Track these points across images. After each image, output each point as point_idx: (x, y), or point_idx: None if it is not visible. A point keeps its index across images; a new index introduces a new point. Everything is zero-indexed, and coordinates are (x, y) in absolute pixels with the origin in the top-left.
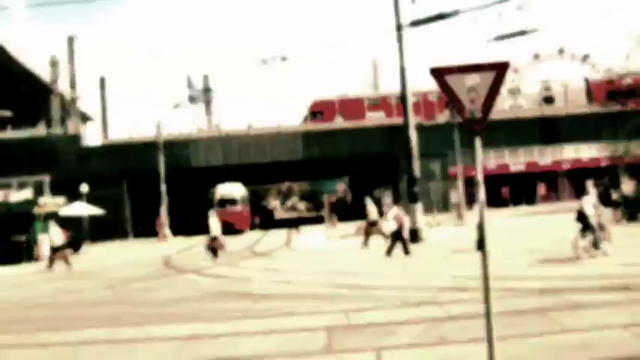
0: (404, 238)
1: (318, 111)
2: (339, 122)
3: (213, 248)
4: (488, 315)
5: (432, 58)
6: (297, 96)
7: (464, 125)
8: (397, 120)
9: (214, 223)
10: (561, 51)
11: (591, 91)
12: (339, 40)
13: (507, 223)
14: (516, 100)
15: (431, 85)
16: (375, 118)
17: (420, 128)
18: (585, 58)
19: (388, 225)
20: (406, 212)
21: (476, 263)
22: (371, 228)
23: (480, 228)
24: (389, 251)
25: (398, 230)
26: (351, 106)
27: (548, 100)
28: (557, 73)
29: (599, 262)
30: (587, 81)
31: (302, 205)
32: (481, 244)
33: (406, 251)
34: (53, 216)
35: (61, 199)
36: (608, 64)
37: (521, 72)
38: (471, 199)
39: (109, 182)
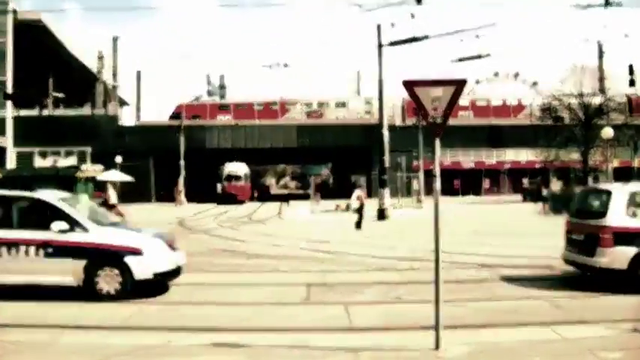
0: (362, 215)
1: (178, 112)
2: (328, 119)
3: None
4: (436, 281)
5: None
6: (297, 96)
7: (427, 128)
8: (374, 120)
9: (113, 194)
10: (516, 75)
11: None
12: (332, 52)
13: (458, 209)
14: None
15: (403, 94)
16: (289, 118)
17: (391, 128)
18: (534, 84)
19: (353, 204)
20: (376, 195)
21: (429, 239)
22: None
23: (436, 211)
24: (357, 224)
25: (360, 207)
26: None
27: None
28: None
29: (527, 244)
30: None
31: (292, 184)
32: (435, 226)
33: (359, 226)
34: (92, 180)
35: (99, 167)
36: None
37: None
38: (429, 188)
39: (138, 156)
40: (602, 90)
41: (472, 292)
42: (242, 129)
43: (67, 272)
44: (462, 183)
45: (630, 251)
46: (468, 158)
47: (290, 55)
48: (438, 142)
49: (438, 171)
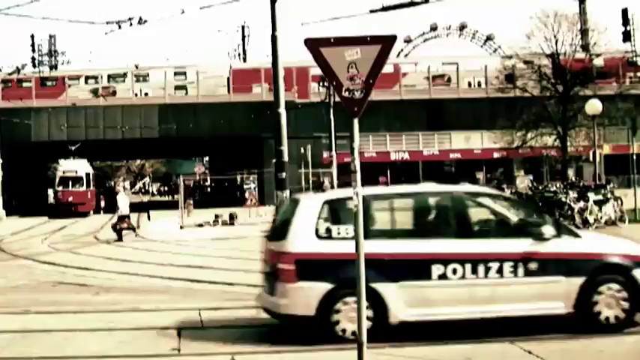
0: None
1: None
2: (201, 96)
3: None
4: (359, 308)
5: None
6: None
7: (341, 105)
8: (266, 97)
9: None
10: (462, 27)
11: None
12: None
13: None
14: None
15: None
16: (73, 99)
17: (291, 106)
18: (488, 39)
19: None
20: (271, 201)
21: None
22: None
23: (356, 221)
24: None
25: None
26: None
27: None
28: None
29: None
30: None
31: (154, 188)
32: (356, 240)
33: None
34: None
35: None
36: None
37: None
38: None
39: None
40: (584, 47)
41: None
42: (82, 113)
43: (556, 296)
44: (392, 181)
45: (320, 288)
46: (399, 147)
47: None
48: (356, 125)
49: (357, 165)
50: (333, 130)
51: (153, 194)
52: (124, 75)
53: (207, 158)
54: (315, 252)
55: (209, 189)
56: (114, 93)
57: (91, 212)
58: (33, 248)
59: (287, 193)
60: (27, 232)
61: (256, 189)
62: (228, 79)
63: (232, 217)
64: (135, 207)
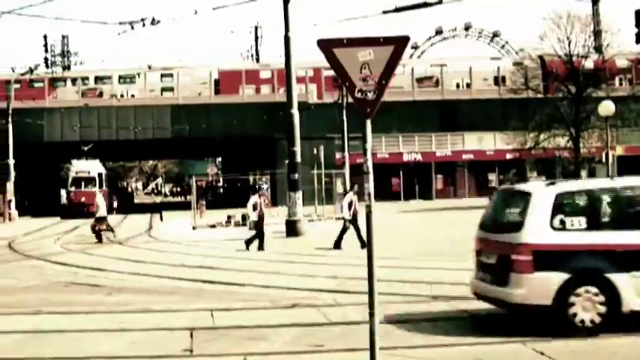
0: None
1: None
2: (214, 96)
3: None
4: (371, 322)
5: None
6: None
7: (354, 106)
8: (279, 97)
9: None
10: (467, 27)
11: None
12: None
13: (399, 220)
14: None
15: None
16: (61, 100)
17: (304, 107)
18: (495, 36)
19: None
20: (285, 202)
21: (360, 263)
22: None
23: (368, 223)
24: (249, 243)
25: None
26: None
27: (427, 80)
28: (461, 51)
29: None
30: (542, 58)
31: (167, 189)
32: (368, 242)
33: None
34: None
35: None
36: (520, 44)
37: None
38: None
39: None
40: (598, 48)
41: (420, 336)
42: (94, 113)
43: None
44: (405, 182)
45: (556, 279)
46: (411, 147)
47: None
48: (369, 126)
49: (370, 166)
50: (345, 131)
51: (165, 195)
52: (110, 77)
53: (219, 159)
54: (550, 243)
55: (222, 190)
56: (100, 94)
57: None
58: (45, 248)
59: (299, 195)
60: (39, 232)
61: (269, 190)
62: (216, 80)
63: (245, 217)
64: (149, 208)
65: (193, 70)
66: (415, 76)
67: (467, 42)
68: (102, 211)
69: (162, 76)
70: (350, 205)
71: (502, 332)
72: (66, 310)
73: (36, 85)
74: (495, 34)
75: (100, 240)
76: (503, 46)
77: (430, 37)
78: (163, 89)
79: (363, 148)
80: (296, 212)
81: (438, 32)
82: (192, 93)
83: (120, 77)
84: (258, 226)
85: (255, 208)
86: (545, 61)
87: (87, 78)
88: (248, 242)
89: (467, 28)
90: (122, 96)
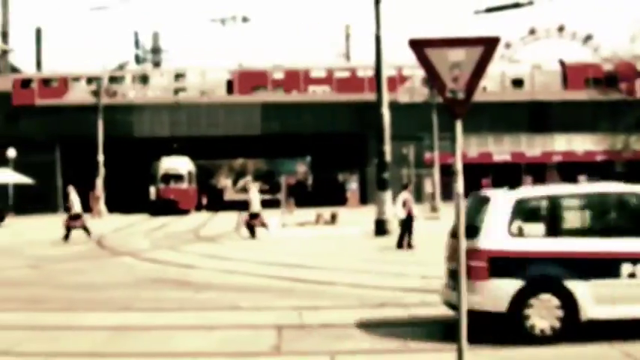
0: (410, 230)
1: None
2: (303, 94)
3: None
4: (459, 322)
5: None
6: (258, 63)
7: (444, 106)
8: (369, 96)
9: (255, 198)
10: (561, 28)
11: (566, 75)
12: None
13: None
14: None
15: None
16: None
17: (394, 106)
18: (588, 38)
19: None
20: (373, 201)
21: None
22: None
23: (459, 223)
24: (399, 243)
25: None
26: None
27: (518, 83)
28: (554, 53)
29: None
30: (562, 64)
31: (256, 187)
32: (459, 241)
33: (401, 245)
34: None
35: None
36: (611, 46)
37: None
38: (446, 190)
39: (39, 148)
40: None
41: (505, 335)
42: (184, 110)
43: None
44: (494, 183)
45: (511, 286)
46: (501, 148)
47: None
48: (459, 126)
49: (459, 166)
50: (435, 131)
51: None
52: (124, 77)
53: (309, 157)
54: (507, 250)
55: (311, 188)
56: (113, 94)
57: (193, 210)
58: (134, 245)
59: (389, 194)
60: (128, 229)
61: (358, 189)
62: (230, 81)
63: (334, 216)
64: (238, 205)
65: (207, 70)
66: (506, 77)
67: (559, 43)
68: (76, 207)
69: (177, 76)
70: (404, 204)
71: (589, 335)
72: (154, 306)
73: (53, 84)
74: (588, 37)
75: (67, 237)
76: (596, 49)
77: (523, 37)
78: (176, 90)
79: (452, 148)
80: (385, 211)
81: (531, 32)
82: (208, 93)
83: (133, 76)
84: (407, 222)
85: (404, 204)
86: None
87: (100, 78)
88: (400, 243)
89: (560, 29)
90: (135, 97)
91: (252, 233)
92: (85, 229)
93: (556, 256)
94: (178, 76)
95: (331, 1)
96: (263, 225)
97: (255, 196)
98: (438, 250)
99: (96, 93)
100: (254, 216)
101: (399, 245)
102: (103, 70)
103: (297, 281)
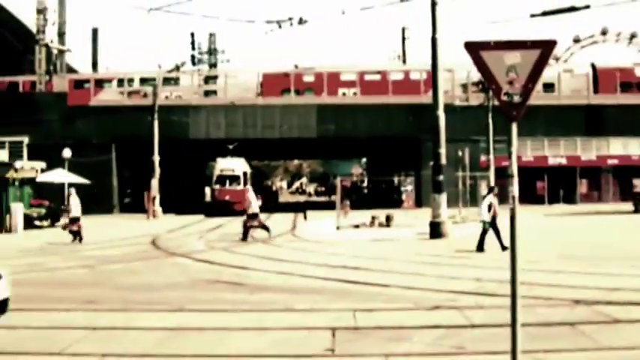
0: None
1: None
2: (359, 97)
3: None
4: (513, 325)
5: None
6: (313, 65)
7: (499, 109)
8: (425, 98)
9: (253, 199)
10: (604, 32)
11: (598, 79)
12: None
13: (543, 223)
14: None
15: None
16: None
17: (449, 109)
18: (632, 37)
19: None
20: (428, 204)
21: (502, 266)
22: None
23: (512, 227)
24: (479, 246)
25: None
26: None
27: (548, 86)
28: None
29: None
30: (594, 67)
31: (311, 188)
32: (511, 245)
33: (481, 248)
34: (30, 182)
35: (40, 164)
36: None
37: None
38: (502, 193)
39: (95, 149)
40: None
41: (563, 340)
42: (240, 111)
43: None
44: (549, 186)
45: None
46: (556, 151)
47: (308, 7)
48: (514, 129)
49: (515, 169)
50: (491, 134)
51: (310, 194)
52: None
53: (364, 159)
54: None
55: (366, 190)
56: (145, 96)
57: None
58: (189, 246)
59: (444, 197)
60: (183, 229)
61: (413, 191)
62: (260, 83)
63: (389, 218)
64: (293, 207)
65: (236, 73)
66: (561, 81)
67: (605, 47)
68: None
69: (207, 78)
70: (489, 207)
71: None
72: (209, 307)
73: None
74: (633, 35)
75: (74, 239)
76: None
77: (593, 36)
78: (207, 92)
79: (508, 151)
80: (440, 214)
81: (576, 41)
82: (237, 95)
83: (164, 79)
84: (493, 226)
85: (489, 208)
86: None
87: (132, 79)
88: (480, 246)
89: (604, 32)
90: (167, 97)
91: (245, 235)
92: (78, 233)
93: None
94: (210, 78)
95: (388, 4)
96: (263, 227)
97: (253, 197)
98: (495, 254)
99: (129, 94)
100: (253, 216)
101: (479, 248)
102: (159, 71)
103: (352, 283)
